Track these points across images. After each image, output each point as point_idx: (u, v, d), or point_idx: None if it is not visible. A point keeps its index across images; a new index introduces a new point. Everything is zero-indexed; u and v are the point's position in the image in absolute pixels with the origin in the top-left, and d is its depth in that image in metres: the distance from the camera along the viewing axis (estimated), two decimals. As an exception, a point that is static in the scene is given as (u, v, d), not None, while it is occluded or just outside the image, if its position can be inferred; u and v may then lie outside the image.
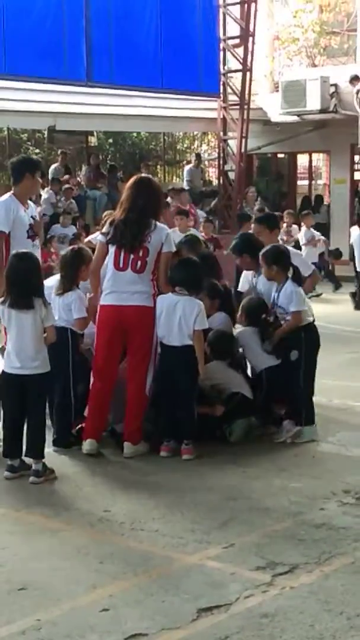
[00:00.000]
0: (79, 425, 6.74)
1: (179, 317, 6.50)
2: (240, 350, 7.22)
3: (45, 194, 17.66)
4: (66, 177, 19.10)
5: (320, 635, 3.84)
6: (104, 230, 6.74)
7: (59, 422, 6.74)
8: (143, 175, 7.12)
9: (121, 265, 6.53)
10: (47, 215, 16.71)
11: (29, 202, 7.58)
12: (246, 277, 7.76)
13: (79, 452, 6.60)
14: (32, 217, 7.41)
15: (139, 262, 6.51)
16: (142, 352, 6.60)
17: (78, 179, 20.83)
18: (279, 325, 7.06)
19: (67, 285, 6.78)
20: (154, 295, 6.61)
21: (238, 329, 7.42)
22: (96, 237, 7.22)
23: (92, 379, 6.66)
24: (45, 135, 22.41)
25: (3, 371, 6.24)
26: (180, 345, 6.51)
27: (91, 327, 6.84)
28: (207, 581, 4.40)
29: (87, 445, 6.57)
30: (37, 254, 7.05)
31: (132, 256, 6.51)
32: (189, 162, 23.49)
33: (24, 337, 6.03)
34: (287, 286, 7.00)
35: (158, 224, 6.64)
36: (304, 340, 6.97)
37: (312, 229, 17.50)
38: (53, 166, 19.97)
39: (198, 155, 23.81)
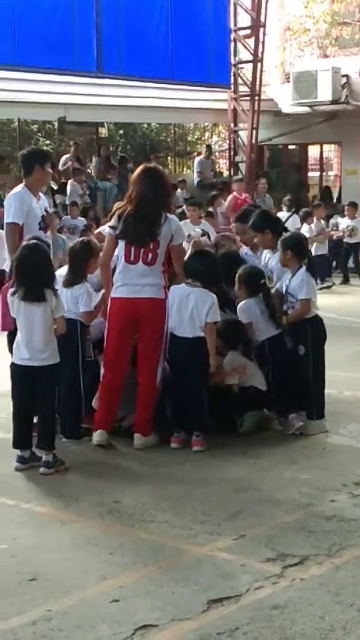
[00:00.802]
0: (86, 425, 6.75)
1: (191, 309, 6.48)
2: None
3: (69, 186, 17.70)
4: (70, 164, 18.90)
5: (330, 627, 3.83)
6: (111, 223, 6.68)
7: (69, 414, 6.74)
8: (150, 165, 7.05)
9: (132, 258, 6.52)
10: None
11: (40, 194, 7.57)
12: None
13: (89, 444, 6.60)
14: (45, 209, 7.40)
15: (150, 255, 6.51)
16: (153, 343, 6.59)
17: (89, 170, 20.83)
18: (285, 313, 7.04)
19: (76, 277, 6.77)
20: (165, 287, 6.60)
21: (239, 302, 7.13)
22: (105, 229, 7.20)
23: (102, 371, 6.66)
24: (56, 127, 22.42)
25: (13, 362, 6.24)
26: (192, 337, 6.50)
27: (96, 320, 6.84)
28: (218, 572, 4.39)
29: (97, 436, 6.57)
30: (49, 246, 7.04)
31: (142, 249, 6.50)
32: (199, 154, 23.46)
33: (34, 328, 6.02)
34: (300, 274, 6.97)
35: (168, 215, 6.62)
36: (311, 334, 6.93)
37: (322, 221, 17.46)
38: (64, 157, 19.96)
39: (209, 147, 23.78)
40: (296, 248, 7.05)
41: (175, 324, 6.54)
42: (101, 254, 6.80)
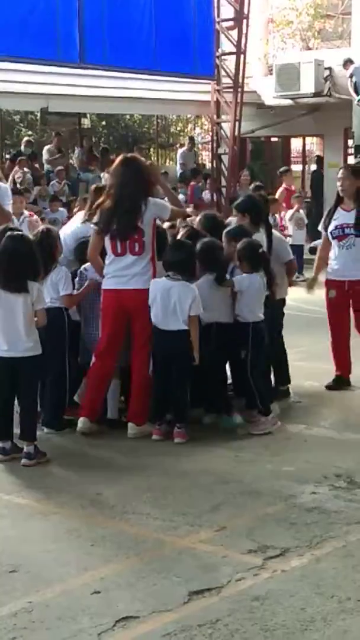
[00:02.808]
0: (69, 417, 6.75)
1: (174, 303, 6.47)
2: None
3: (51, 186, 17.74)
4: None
5: (311, 619, 3.84)
6: (95, 219, 6.70)
7: (52, 404, 6.71)
8: (128, 155, 6.96)
9: (119, 251, 6.56)
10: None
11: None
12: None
13: (71, 435, 6.60)
14: None
15: (137, 244, 6.54)
16: (144, 334, 6.62)
17: (71, 160, 20.77)
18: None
19: (49, 266, 6.67)
20: (154, 275, 6.62)
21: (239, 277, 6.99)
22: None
23: (93, 359, 6.67)
24: (38, 117, 22.32)
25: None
26: (176, 329, 6.49)
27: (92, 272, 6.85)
28: (199, 564, 4.40)
29: (81, 423, 6.58)
30: None
31: (128, 241, 6.52)
32: (182, 145, 23.46)
33: (15, 319, 5.99)
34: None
35: (148, 200, 6.58)
36: (252, 339, 6.81)
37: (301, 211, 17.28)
38: (46, 147, 19.90)
39: (191, 139, 23.77)
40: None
41: (158, 318, 6.53)
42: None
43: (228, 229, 7.27)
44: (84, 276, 6.92)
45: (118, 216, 6.51)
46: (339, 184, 8.03)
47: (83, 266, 6.96)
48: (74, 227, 7.67)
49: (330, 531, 4.80)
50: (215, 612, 3.90)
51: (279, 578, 4.25)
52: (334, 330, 8.04)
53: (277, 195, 16.92)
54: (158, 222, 6.81)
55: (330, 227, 7.98)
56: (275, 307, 7.36)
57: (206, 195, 20.35)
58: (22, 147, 19.27)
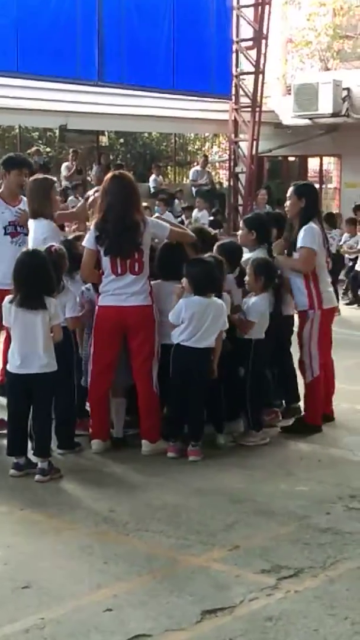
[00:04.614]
0: (81, 432, 6.76)
1: (210, 320, 6.47)
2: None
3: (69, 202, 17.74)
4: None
5: (324, 640, 3.82)
6: (92, 236, 6.59)
7: (63, 425, 6.59)
8: (116, 172, 6.88)
9: (119, 271, 6.52)
10: None
11: (23, 197, 7.74)
12: None
13: (85, 452, 6.59)
14: (16, 211, 7.61)
15: (137, 264, 6.52)
16: (146, 350, 6.59)
17: (88, 177, 20.84)
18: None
19: (58, 285, 6.62)
20: (150, 292, 6.61)
21: (252, 297, 7.00)
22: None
23: (89, 379, 6.67)
24: (57, 134, 22.45)
25: (7, 371, 6.22)
26: (204, 347, 6.48)
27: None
28: (212, 583, 4.38)
29: (94, 445, 6.61)
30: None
31: (128, 261, 6.50)
32: (198, 164, 23.52)
33: (34, 336, 5.99)
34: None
35: (145, 220, 6.57)
36: (252, 357, 6.86)
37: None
38: (64, 164, 19.98)
39: (205, 157, 23.84)
40: (266, 272, 7.00)
41: (191, 336, 6.45)
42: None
43: (221, 242, 7.34)
44: (85, 296, 6.88)
45: (119, 234, 6.46)
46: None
47: (84, 286, 6.90)
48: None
49: (344, 552, 4.78)
50: (228, 632, 3.88)
51: (292, 598, 4.23)
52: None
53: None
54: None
55: None
56: (282, 324, 7.35)
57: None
58: (34, 159, 19.03)
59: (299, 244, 7.10)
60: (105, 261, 6.55)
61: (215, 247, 7.14)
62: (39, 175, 7.98)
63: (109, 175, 6.76)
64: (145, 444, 6.58)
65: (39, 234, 7.24)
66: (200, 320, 6.46)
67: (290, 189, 7.38)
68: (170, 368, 6.58)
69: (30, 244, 7.21)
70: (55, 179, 7.75)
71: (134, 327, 6.56)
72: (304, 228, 7.11)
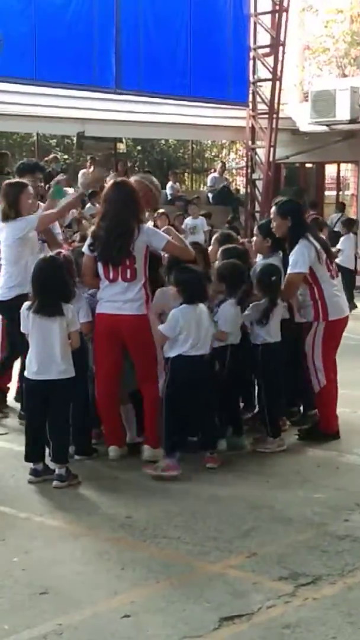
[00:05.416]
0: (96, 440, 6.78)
1: (206, 327, 6.46)
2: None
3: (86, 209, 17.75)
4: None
5: (342, 648, 3.80)
6: (87, 242, 6.63)
7: (79, 432, 6.63)
8: (118, 180, 6.91)
9: (111, 277, 6.52)
10: None
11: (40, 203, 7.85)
12: None
13: (103, 458, 6.59)
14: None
15: (128, 271, 6.48)
16: (147, 357, 6.57)
17: (105, 184, 20.86)
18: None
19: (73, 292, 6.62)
20: (147, 301, 6.58)
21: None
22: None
23: (96, 387, 6.66)
24: (74, 141, 22.53)
25: (25, 377, 6.24)
26: (203, 354, 6.46)
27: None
28: (229, 590, 4.37)
29: (111, 452, 6.60)
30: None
31: (120, 267, 6.49)
32: (215, 171, 23.55)
33: (52, 342, 6.01)
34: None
35: (141, 227, 6.52)
36: (262, 360, 6.86)
37: None
38: (82, 171, 20.03)
39: (223, 164, 23.86)
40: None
41: (192, 345, 6.43)
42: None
43: (227, 246, 7.31)
44: (90, 302, 6.88)
45: (111, 240, 6.45)
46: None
47: (89, 292, 6.91)
48: None
49: (362, 560, 4.76)
50: (245, 639, 3.87)
51: (310, 606, 4.21)
52: None
53: None
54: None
55: None
56: (296, 331, 7.32)
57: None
58: (52, 166, 19.06)
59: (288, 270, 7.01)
60: (100, 267, 6.57)
61: (220, 252, 7.14)
62: (12, 180, 8.06)
63: (111, 182, 6.81)
64: (146, 448, 6.55)
65: (17, 233, 7.41)
66: (198, 327, 6.44)
67: (273, 209, 7.22)
68: (172, 381, 6.41)
69: (2, 247, 7.44)
70: (27, 182, 7.72)
71: (129, 336, 6.54)
72: (294, 251, 6.97)
